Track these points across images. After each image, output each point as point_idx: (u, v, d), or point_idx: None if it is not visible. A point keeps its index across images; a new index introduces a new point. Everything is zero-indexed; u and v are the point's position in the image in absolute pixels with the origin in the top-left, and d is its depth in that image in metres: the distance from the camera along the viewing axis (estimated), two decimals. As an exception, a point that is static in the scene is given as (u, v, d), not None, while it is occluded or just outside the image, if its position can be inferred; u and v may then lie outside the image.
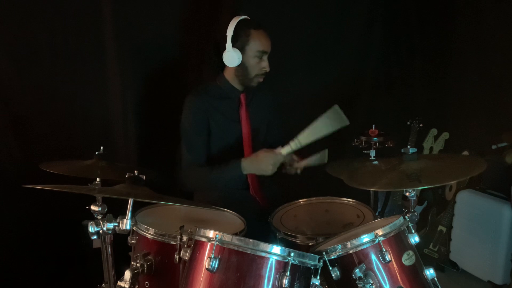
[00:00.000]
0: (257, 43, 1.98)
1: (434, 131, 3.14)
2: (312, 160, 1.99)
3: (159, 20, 2.42)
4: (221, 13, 2.42)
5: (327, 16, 2.94)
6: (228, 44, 1.95)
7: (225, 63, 2.00)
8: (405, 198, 1.55)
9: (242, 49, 1.97)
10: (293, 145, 1.87)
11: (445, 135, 3.11)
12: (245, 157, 1.99)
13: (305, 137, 1.86)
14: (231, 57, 1.97)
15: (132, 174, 1.52)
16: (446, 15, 3.15)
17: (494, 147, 2.72)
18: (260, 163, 1.90)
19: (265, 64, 2.02)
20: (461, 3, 3.08)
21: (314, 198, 2.00)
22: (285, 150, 1.89)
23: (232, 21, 1.97)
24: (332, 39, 2.99)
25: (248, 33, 1.97)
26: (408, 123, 3.07)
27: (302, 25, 2.85)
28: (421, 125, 3.04)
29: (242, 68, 2.01)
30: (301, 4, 2.82)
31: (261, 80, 2.06)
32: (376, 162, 2.08)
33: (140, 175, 1.53)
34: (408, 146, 1.57)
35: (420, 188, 1.92)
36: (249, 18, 2.02)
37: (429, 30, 3.24)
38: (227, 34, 1.95)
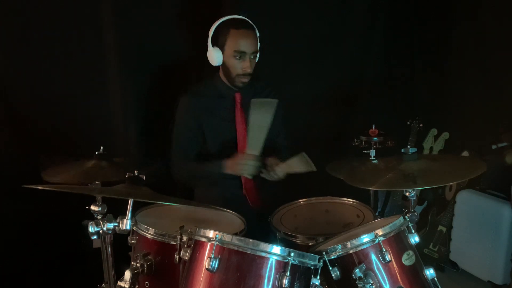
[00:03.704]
0: (234, 43, 1.95)
1: (434, 131, 3.14)
2: (294, 165, 1.90)
3: (159, 20, 2.42)
4: (221, 14, 2.42)
5: (327, 16, 2.94)
6: (209, 43, 1.98)
7: (209, 61, 2.02)
8: (405, 198, 1.56)
9: (222, 49, 1.98)
10: (250, 143, 1.93)
11: (445, 135, 3.11)
12: (227, 159, 2.00)
13: (251, 134, 1.92)
14: (211, 56, 1.99)
15: (132, 174, 1.52)
16: (446, 15, 3.15)
17: (494, 147, 2.72)
18: (234, 164, 1.93)
19: (245, 65, 1.97)
20: (461, 3, 3.08)
21: (314, 198, 2.00)
22: (250, 149, 1.93)
23: (217, 21, 1.98)
24: (332, 40, 2.99)
25: (226, 32, 1.96)
26: (408, 123, 3.08)
27: (302, 25, 2.85)
28: (421, 125, 3.05)
29: (224, 67, 2.02)
30: (301, 5, 2.82)
31: (245, 80, 2.01)
32: (375, 161, 2.08)
33: (140, 175, 1.53)
34: (408, 146, 1.57)
35: (419, 188, 1.92)
36: (241, 17, 2.01)
37: (429, 30, 3.24)
38: (208, 33, 1.97)
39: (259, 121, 1.90)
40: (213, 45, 1.98)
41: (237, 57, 1.96)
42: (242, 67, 1.98)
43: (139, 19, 2.36)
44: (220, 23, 1.98)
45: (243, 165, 1.91)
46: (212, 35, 1.98)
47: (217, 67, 2.08)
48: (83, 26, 2.25)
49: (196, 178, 2.08)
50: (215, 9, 2.46)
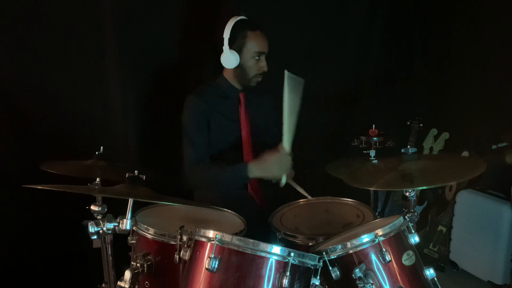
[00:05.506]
0: (254, 44, 1.99)
1: (434, 131, 3.14)
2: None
3: (159, 20, 2.42)
4: (221, 13, 2.42)
5: (327, 16, 2.94)
6: (225, 46, 1.96)
7: (223, 65, 2.01)
8: (405, 198, 1.55)
9: (239, 51, 1.98)
10: (286, 134, 1.83)
11: (445, 135, 3.11)
12: (252, 160, 1.96)
13: (287, 119, 1.81)
14: (229, 59, 1.98)
15: (132, 174, 1.52)
16: (446, 15, 3.15)
17: (494, 147, 2.72)
18: (269, 168, 1.87)
19: (263, 64, 2.03)
20: (461, 3, 3.08)
21: (314, 198, 2.00)
22: (286, 143, 1.85)
23: (228, 22, 1.98)
24: (332, 39, 2.99)
25: (244, 34, 1.97)
26: (408, 123, 3.08)
27: (303, 25, 2.85)
28: (421, 125, 3.05)
29: (240, 69, 2.02)
30: (301, 4, 2.82)
31: (259, 79, 2.07)
32: (375, 161, 2.08)
33: (140, 175, 1.53)
34: (408, 146, 1.57)
35: (418, 188, 1.92)
36: (246, 18, 2.02)
37: (429, 30, 3.25)
38: (224, 36, 1.96)
39: (293, 102, 1.79)
40: (229, 48, 1.97)
41: (256, 58, 2.01)
42: (260, 66, 2.03)
43: (139, 19, 2.36)
44: (233, 25, 1.96)
45: (284, 162, 1.84)
46: (229, 38, 1.95)
47: (220, 68, 2.08)
48: (83, 26, 2.25)
49: (210, 181, 1.99)
50: (215, 9, 2.46)
